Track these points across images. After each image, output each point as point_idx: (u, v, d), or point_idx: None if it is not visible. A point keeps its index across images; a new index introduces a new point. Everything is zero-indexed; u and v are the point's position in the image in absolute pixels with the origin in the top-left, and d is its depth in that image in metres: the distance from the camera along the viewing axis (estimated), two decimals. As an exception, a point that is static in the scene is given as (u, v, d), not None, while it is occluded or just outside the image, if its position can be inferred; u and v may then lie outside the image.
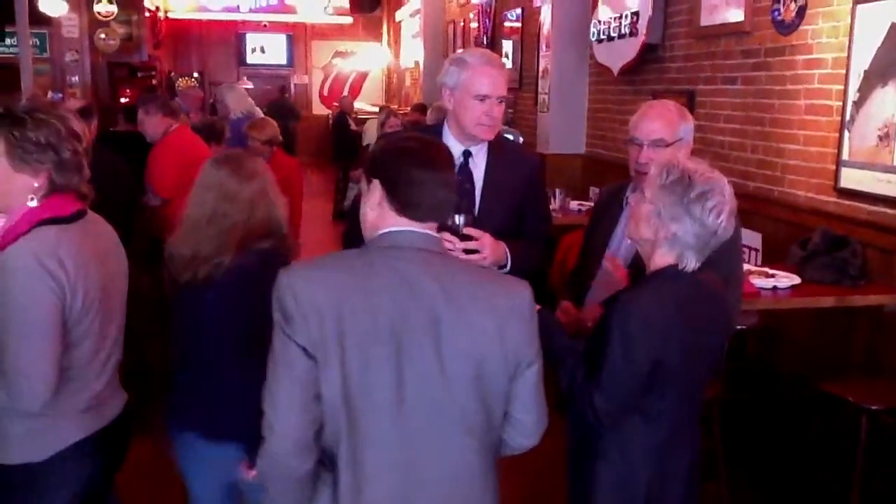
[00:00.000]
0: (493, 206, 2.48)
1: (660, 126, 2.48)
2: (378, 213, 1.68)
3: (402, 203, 1.66)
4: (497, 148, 2.56)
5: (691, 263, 1.98)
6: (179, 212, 4.84)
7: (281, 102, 13.95)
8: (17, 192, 1.88)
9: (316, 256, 1.70)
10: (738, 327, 3.36)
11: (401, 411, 1.61)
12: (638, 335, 1.91)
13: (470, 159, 2.49)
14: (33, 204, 1.88)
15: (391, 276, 1.61)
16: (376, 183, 1.69)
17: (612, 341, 1.93)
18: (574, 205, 5.43)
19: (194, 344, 2.25)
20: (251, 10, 16.20)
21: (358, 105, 13.34)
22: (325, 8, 16.16)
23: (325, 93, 16.92)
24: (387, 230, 1.67)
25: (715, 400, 3.08)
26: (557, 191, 5.29)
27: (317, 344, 1.57)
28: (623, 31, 5.43)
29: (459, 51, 2.75)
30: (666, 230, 1.95)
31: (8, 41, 8.60)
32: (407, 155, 1.68)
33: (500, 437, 1.76)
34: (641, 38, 5.20)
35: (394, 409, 1.61)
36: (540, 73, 6.89)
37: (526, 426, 1.76)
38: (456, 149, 2.44)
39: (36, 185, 1.88)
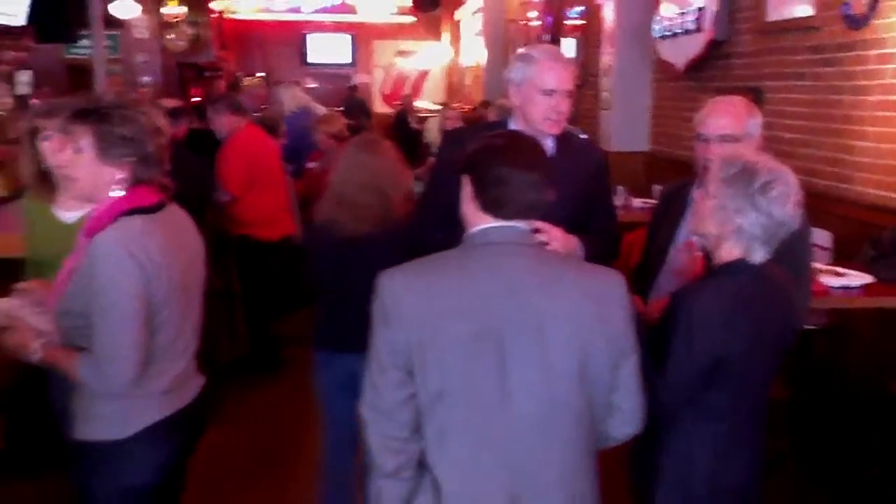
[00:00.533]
0: (561, 201, 2.49)
1: (727, 121, 2.47)
2: (471, 211, 1.72)
3: (488, 202, 1.69)
4: (564, 143, 2.57)
5: (760, 255, 1.97)
6: (247, 208, 4.99)
7: (353, 100, 14.13)
8: (102, 183, 1.97)
9: (416, 260, 1.74)
10: (808, 327, 3.32)
11: (506, 409, 1.64)
12: (699, 330, 1.91)
13: None
14: (118, 195, 1.97)
15: (488, 276, 1.64)
16: (466, 180, 1.72)
17: (674, 334, 1.93)
18: (637, 202, 5.39)
19: (338, 285, 2.96)
20: (314, 11, 16.44)
21: (419, 104, 13.43)
22: (388, 8, 16.31)
23: (387, 91, 17.06)
24: (480, 228, 1.70)
25: (783, 400, 3.05)
26: (620, 188, 5.26)
27: (413, 346, 1.62)
28: (688, 27, 5.37)
29: (525, 47, 2.78)
30: (731, 223, 1.94)
31: (82, 43, 8.89)
32: (495, 153, 1.71)
33: (600, 429, 1.78)
34: (707, 33, 5.13)
35: (499, 408, 1.64)
36: (602, 71, 6.85)
37: (629, 414, 1.79)
38: None
39: (119, 177, 1.97)
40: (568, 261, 1.83)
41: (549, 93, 2.44)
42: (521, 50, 2.62)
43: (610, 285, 1.72)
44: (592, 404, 1.71)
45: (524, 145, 1.78)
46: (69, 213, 2.62)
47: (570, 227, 2.39)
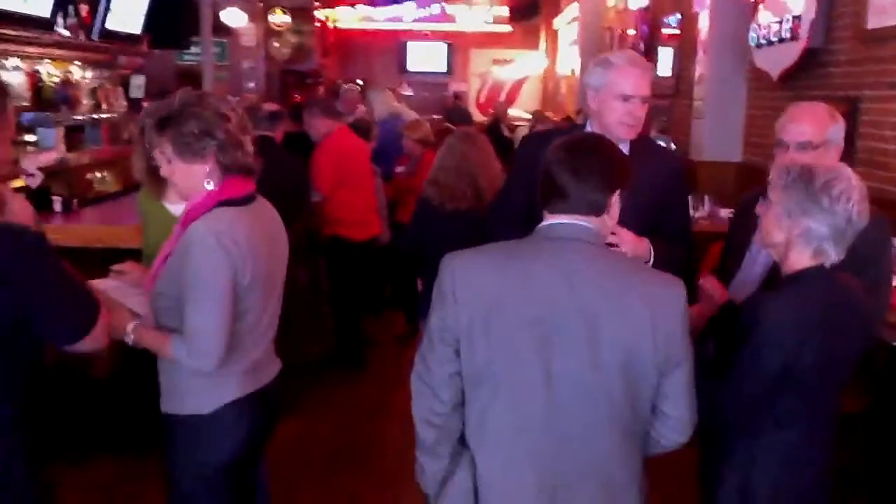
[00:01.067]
0: (634, 205, 2.52)
1: (808, 128, 2.45)
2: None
3: (552, 197, 1.75)
4: (640, 148, 2.59)
5: (832, 256, 1.95)
6: (336, 207, 5.17)
7: (457, 109, 14.31)
8: (196, 180, 2.13)
9: (483, 245, 1.83)
10: (894, 343, 3.21)
11: (548, 397, 1.69)
12: (769, 339, 1.90)
13: None
14: (211, 187, 2.12)
15: (545, 267, 1.70)
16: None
17: (744, 344, 1.93)
18: (724, 212, 5.32)
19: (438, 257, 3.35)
20: (414, 20, 16.76)
21: (512, 112, 13.48)
22: (485, 17, 16.46)
23: (482, 100, 17.19)
24: (547, 222, 1.77)
25: (859, 414, 2.98)
26: (707, 197, 5.21)
27: (463, 325, 1.70)
28: (783, 36, 5.26)
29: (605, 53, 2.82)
30: (798, 227, 1.94)
31: (193, 50, 9.36)
32: (564, 151, 1.77)
33: (646, 431, 1.80)
34: (803, 42, 5.02)
35: (539, 395, 1.69)
36: (696, 80, 6.77)
37: (677, 422, 1.80)
38: None
39: (207, 168, 2.11)
40: (630, 263, 1.87)
41: (626, 98, 2.47)
42: (600, 56, 2.66)
43: (668, 293, 1.73)
44: (636, 404, 1.74)
45: (596, 146, 1.82)
46: (178, 205, 2.82)
47: (641, 231, 2.41)
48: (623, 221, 2.40)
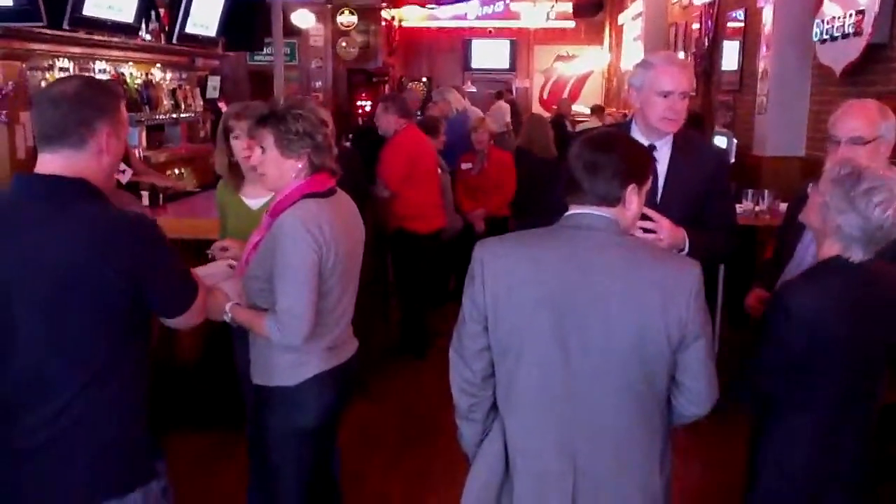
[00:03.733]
0: (674, 196, 2.65)
1: (859, 123, 2.54)
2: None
3: (569, 189, 1.90)
4: (682, 143, 2.73)
5: (857, 256, 2.06)
6: (403, 203, 5.39)
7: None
8: (286, 174, 2.36)
9: (510, 233, 2.04)
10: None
11: (566, 370, 1.85)
12: (790, 322, 2.02)
13: (654, 152, 2.66)
14: (298, 182, 2.35)
15: (561, 254, 1.86)
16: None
17: (768, 325, 2.06)
18: (784, 207, 5.32)
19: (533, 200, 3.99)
20: (478, 17, 16.90)
21: (575, 108, 13.53)
22: (549, 13, 16.50)
23: (545, 96, 17.24)
24: (570, 212, 1.92)
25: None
26: (767, 192, 5.24)
27: (489, 305, 1.89)
28: (846, 31, 5.26)
29: (646, 54, 2.97)
30: (832, 221, 2.05)
31: (265, 51, 9.68)
32: (583, 146, 1.91)
33: (665, 403, 1.93)
34: (866, 37, 5.02)
35: (559, 368, 1.85)
36: (759, 75, 6.77)
37: (695, 394, 1.92)
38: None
39: (300, 166, 2.35)
40: (643, 248, 1.96)
41: (666, 94, 2.62)
42: (642, 58, 2.83)
43: (681, 276, 1.85)
44: (653, 378, 1.87)
45: (612, 142, 1.93)
46: (254, 199, 3.07)
47: (682, 221, 2.53)
48: (666, 212, 2.53)
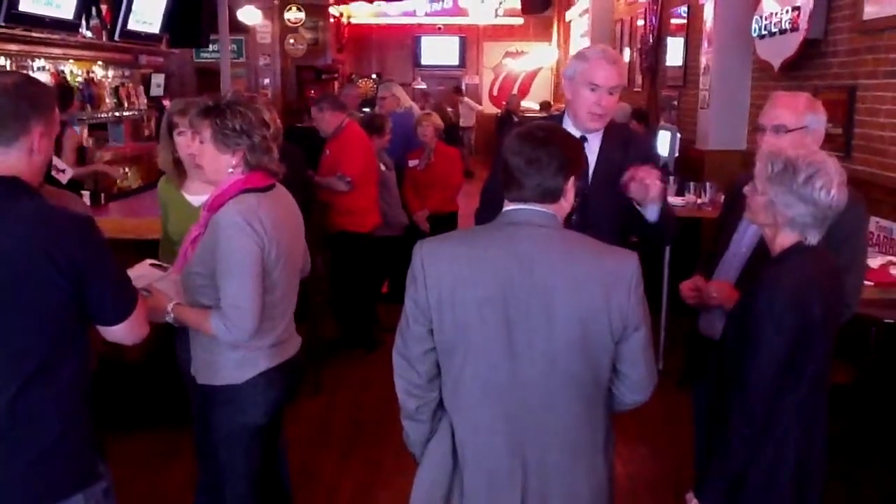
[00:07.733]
0: (604, 185, 2.68)
1: (782, 112, 2.59)
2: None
3: (509, 185, 1.89)
4: (610, 132, 2.78)
5: (814, 238, 2.11)
6: (344, 200, 5.35)
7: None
8: (221, 168, 2.34)
9: (450, 232, 2.03)
10: (887, 321, 3.35)
11: (512, 366, 1.85)
12: (787, 308, 2.01)
13: (586, 144, 2.68)
14: (235, 177, 2.33)
15: (502, 251, 1.86)
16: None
17: (762, 318, 2.03)
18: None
19: None
20: (426, 14, 16.92)
21: (525, 104, 13.65)
22: (497, 10, 16.59)
23: (495, 92, 17.33)
24: (508, 208, 1.92)
25: (847, 385, 3.12)
26: (708, 184, 5.35)
27: (432, 304, 1.88)
28: (784, 27, 5.39)
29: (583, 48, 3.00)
30: (783, 216, 2.09)
31: (210, 48, 9.57)
32: (519, 141, 1.89)
33: (608, 392, 1.96)
34: (802, 33, 5.16)
35: (505, 364, 1.86)
36: (702, 70, 6.90)
37: (636, 382, 1.95)
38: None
39: (234, 162, 2.33)
40: (584, 242, 1.95)
41: (594, 88, 2.64)
42: (578, 50, 2.86)
43: (620, 266, 1.87)
44: (598, 370, 1.89)
45: (548, 136, 1.91)
46: (196, 196, 3.03)
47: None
48: (596, 201, 2.57)
